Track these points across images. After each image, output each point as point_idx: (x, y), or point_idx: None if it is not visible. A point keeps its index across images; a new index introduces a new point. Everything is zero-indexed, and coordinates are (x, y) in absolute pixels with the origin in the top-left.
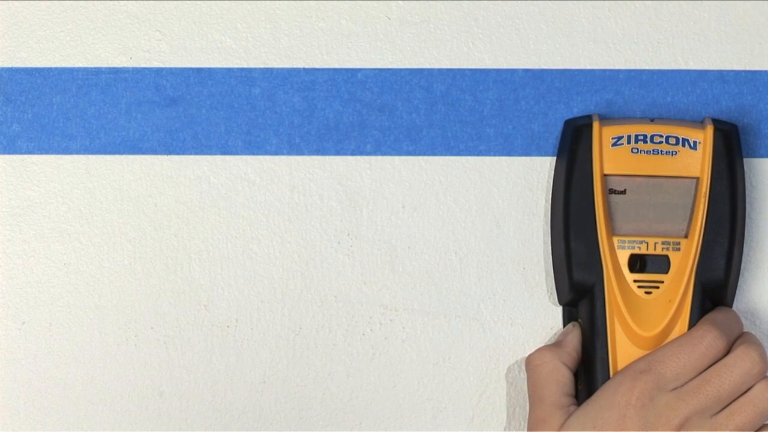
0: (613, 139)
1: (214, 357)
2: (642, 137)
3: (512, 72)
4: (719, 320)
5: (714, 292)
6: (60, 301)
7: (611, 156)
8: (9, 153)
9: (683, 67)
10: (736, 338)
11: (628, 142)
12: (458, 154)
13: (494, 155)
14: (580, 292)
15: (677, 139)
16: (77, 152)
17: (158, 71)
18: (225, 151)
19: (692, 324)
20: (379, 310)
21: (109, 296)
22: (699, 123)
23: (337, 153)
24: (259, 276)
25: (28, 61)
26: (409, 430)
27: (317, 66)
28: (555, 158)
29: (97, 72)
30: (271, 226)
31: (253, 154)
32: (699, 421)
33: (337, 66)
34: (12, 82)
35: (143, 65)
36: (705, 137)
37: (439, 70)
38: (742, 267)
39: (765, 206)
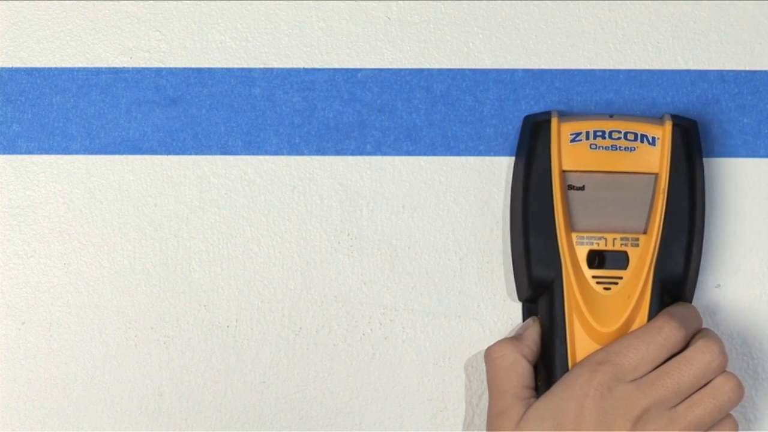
0: (571, 135)
1: (214, 357)
2: (600, 133)
3: (512, 72)
4: (678, 313)
5: (673, 287)
6: (60, 301)
7: (570, 152)
8: (9, 153)
9: (683, 67)
10: (695, 332)
11: (587, 138)
12: (458, 154)
13: (494, 155)
14: (539, 288)
15: (636, 135)
16: (77, 152)
17: (158, 71)
18: (225, 151)
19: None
20: (379, 310)
21: (109, 296)
22: (658, 119)
23: (337, 153)
24: (259, 276)
25: (28, 61)
26: (409, 430)
27: (317, 66)
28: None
29: (97, 72)
30: (271, 226)
31: (253, 154)
32: (658, 413)
33: (337, 66)
34: (12, 82)
35: (143, 65)
36: (664, 133)
37: (439, 70)
38: (702, 263)
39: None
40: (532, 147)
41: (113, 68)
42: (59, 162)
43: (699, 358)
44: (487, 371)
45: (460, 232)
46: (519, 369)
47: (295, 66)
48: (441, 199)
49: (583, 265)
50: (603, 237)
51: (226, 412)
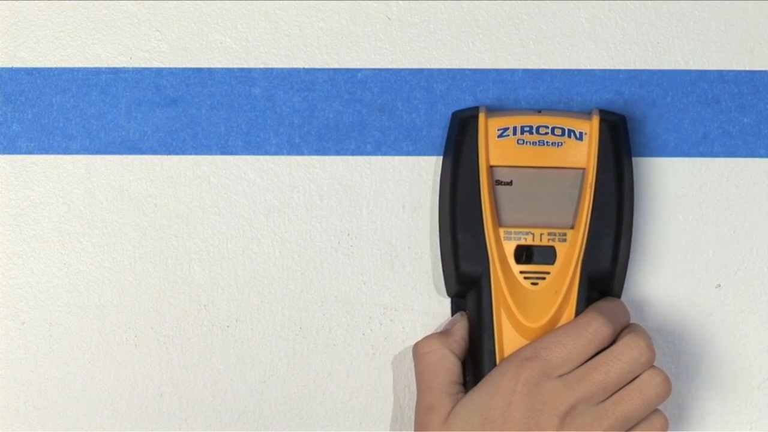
0: (499, 130)
1: (214, 357)
2: (528, 128)
3: (512, 72)
4: (605, 308)
5: (601, 282)
6: (60, 301)
7: (497, 147)
8: (9, 153)
9: (683, 67)
10: (624, 327)
11: (514, 133)
12: None
13: None
14: (467, 283)
15: (563, 130)
16: (77, 152)
17: (158, 71)
18: (225, 151)
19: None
20: (379, 310)
21: (109, 296)
22: (586, 114)
23: (337, 153)
24: (259, 276)
25: (28, 61)
26: (409, 430)
27: (317, 66)
28: None
29: (97, 72)
30: (271, 226)
31: (253, 154)
32: (585, 409)
33: (337, 66)
34: (12, 82)
35: (143, 65)
36: (591, 128)
37: (439, 70)
38: (631, 258)
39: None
40: (459, 142)
41: (113, 68)
42: (59, 162)
43: (626, 353)
44: (415, 367)
45: None
46: (447, 364)
47: (295, 66)
48: None
49: (511, 261)
50: (530, 232)
51: (226, 412)
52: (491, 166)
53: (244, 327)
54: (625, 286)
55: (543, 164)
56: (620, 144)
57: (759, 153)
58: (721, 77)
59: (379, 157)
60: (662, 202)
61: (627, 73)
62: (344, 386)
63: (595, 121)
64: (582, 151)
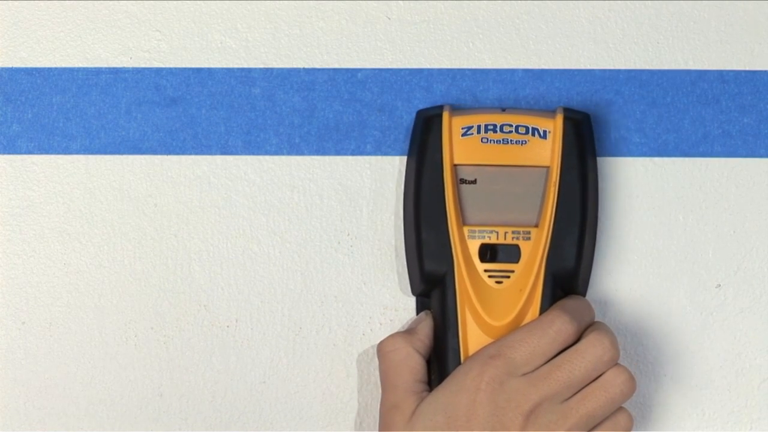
0: (463, 129)
1: (214, 357)
2: (492, 127)
3: (512, 72)
4: (569, 306)
5: (565, 281)
6: (60, 301)
7: (461, 146)
8: (9, 153)
9: (683, 67)
10: (588, 326)
11: (478, 131)
12: None
13: None
14: (431, 282)
15: (527, 128)
16: (77, 152)
17: (158, 71)
18: (225, 151)
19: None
20: (379, 310)
21: (109, 296)
22: (550, 112)
23: (337, 153)
24: (259, 276)
25: (28, 61)
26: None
27: (317, 66)
28: None
29: (97, 72)
30: (271, 226)
31: (253, 154)
32: (549, 407)
33: (337, 66)
34: (12, 82)
35: (143, 65)
36: (555, 126)
37: (439, 70)
38: (596, 257)
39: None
40: (423, 141)
41: (113, 68)
42: (59, 162)
43: (590, 351)
44: (380, 365)
45: None
46: (411, 363)
47: (295, 66)
48: None
49: (475, 259)
50: (495, 230)
51: (226, 412)
52: (455, 165)
53: (244, 327)
54: (592, 284)
55: (507, 162)
56: (584, 142)
57: (759, 153)
58: (721, 77)
59: (379, 157)
60: (662, 202)
61: (627, 73)
62: (344, 386)
63: (559, 119)
64: (546, 150)
